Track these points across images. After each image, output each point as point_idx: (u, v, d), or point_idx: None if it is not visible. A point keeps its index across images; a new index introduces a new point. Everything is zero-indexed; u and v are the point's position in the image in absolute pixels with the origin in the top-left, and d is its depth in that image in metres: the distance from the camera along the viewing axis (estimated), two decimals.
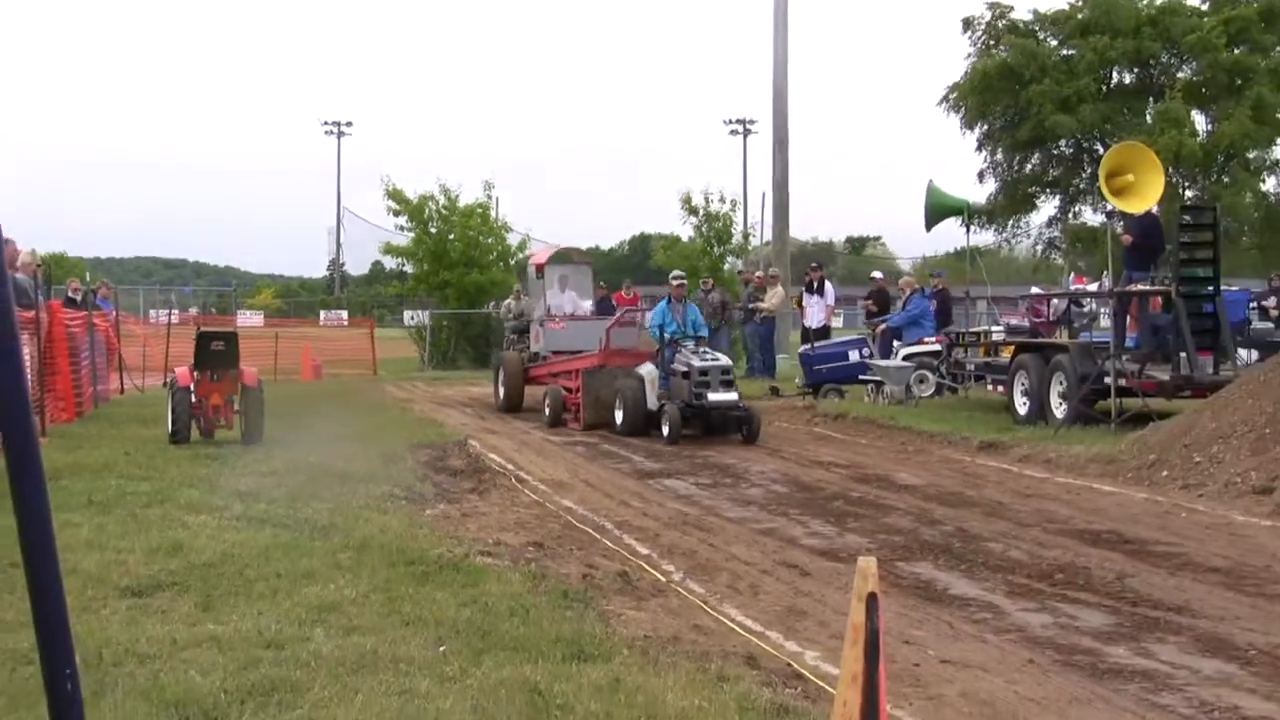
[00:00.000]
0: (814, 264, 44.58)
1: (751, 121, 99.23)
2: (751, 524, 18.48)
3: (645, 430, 28.70)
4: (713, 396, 27.41)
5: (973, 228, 45.16)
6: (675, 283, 30.54)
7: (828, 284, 40.77)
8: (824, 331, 40.09)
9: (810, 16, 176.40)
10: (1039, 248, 62.34)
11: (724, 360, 28.88)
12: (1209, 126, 56.75)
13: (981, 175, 59.09)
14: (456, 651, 10.65)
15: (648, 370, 29.32)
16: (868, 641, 6.95)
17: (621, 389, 29.50)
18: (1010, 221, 60.16)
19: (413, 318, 64.20)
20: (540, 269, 37.10)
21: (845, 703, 7.02)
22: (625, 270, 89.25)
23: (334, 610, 11.92)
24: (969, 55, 59.00)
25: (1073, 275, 53.87)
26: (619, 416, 29.40)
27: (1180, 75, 57.48)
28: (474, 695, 9.47)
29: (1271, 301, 39.01)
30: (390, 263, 65.30)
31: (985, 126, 58.10)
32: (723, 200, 57.45)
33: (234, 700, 9.25)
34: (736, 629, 12.42)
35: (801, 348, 39.53)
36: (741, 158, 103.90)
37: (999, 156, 58.74)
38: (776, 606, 13.48)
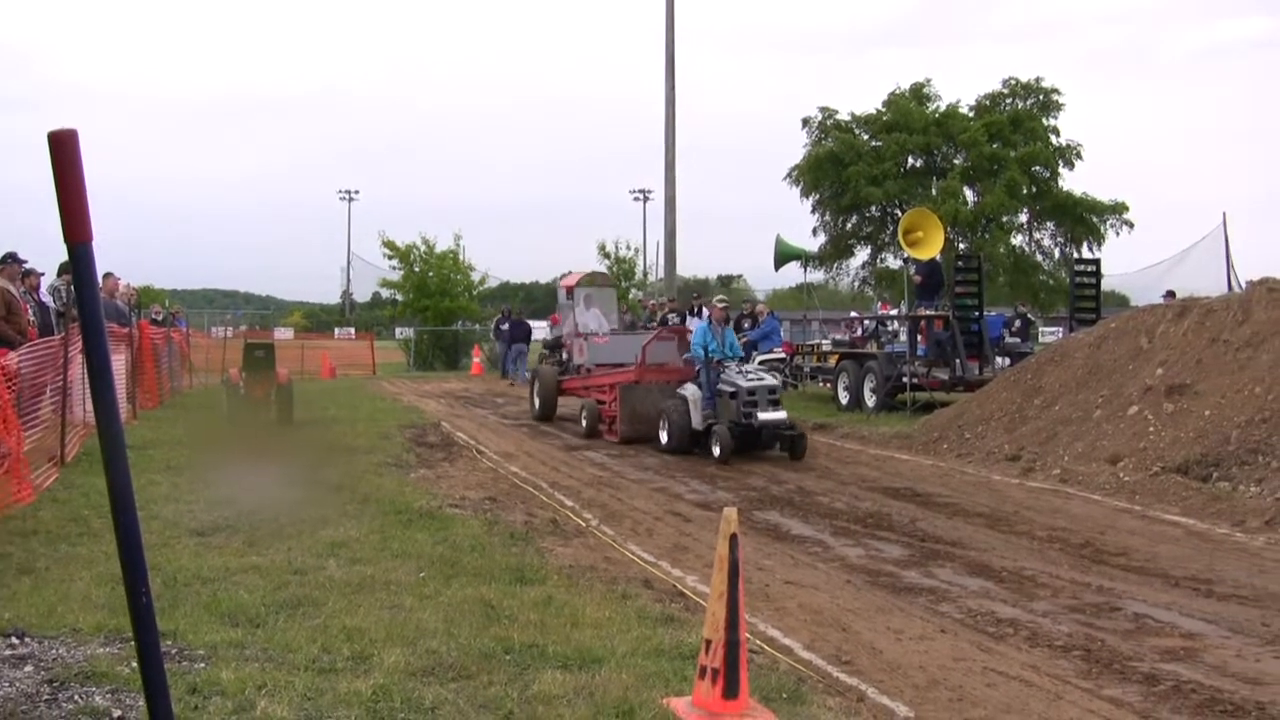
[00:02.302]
0: (695, 294, 44.40)
1: (649, 190, 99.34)
2: (648, 484, 18.41)
3: (689, 449, 22.13)
4: (762, 415, 21.17)
5: (809, 269, 45.35)
6: (720, 305, 24.00)
7: (704, 310, 40.74)
8: None
9: (694, 113, 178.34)
10: (856, 284, 62.42)
11: (770, 380, 22.05)
12: (976, 198, 57.04)
13: (815, 230, 59.16)
14: (432, 577, 10.60)
15: (690, 391, 22.57)
16: (730, 569, 6.93)
17: (666, 410, 22.90)
18: (836, 264, 60.15)
19: (401, 333, 64.45)
20: (570, 291, 30.66)
21: (714, 614, 7.00)
22: (556, 299, 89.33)
23: (343, 547, 11.86)
24: (806, 144, 59.10)
25: (880, 304, 54.02)
26: (664, 436, 22.88)
27: (956, 162, 57.70)
28: (445, 609, 9.44)
29: (1017, 324, 39.30)
30: (385, 293, 65.12)
31: (818, 195, 58.13)
32: (628, 248, 59.00)
33: (270, 611, 9.25)
34: (637, 560, 12.39)
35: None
36: (642, 216, 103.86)
37: (827, 217, 58.75)
38: (666, 544, 13.45)
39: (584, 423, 25.71)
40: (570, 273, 33.06)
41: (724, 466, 19.83)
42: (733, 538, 6.99)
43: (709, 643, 7.00)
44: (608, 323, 30.18)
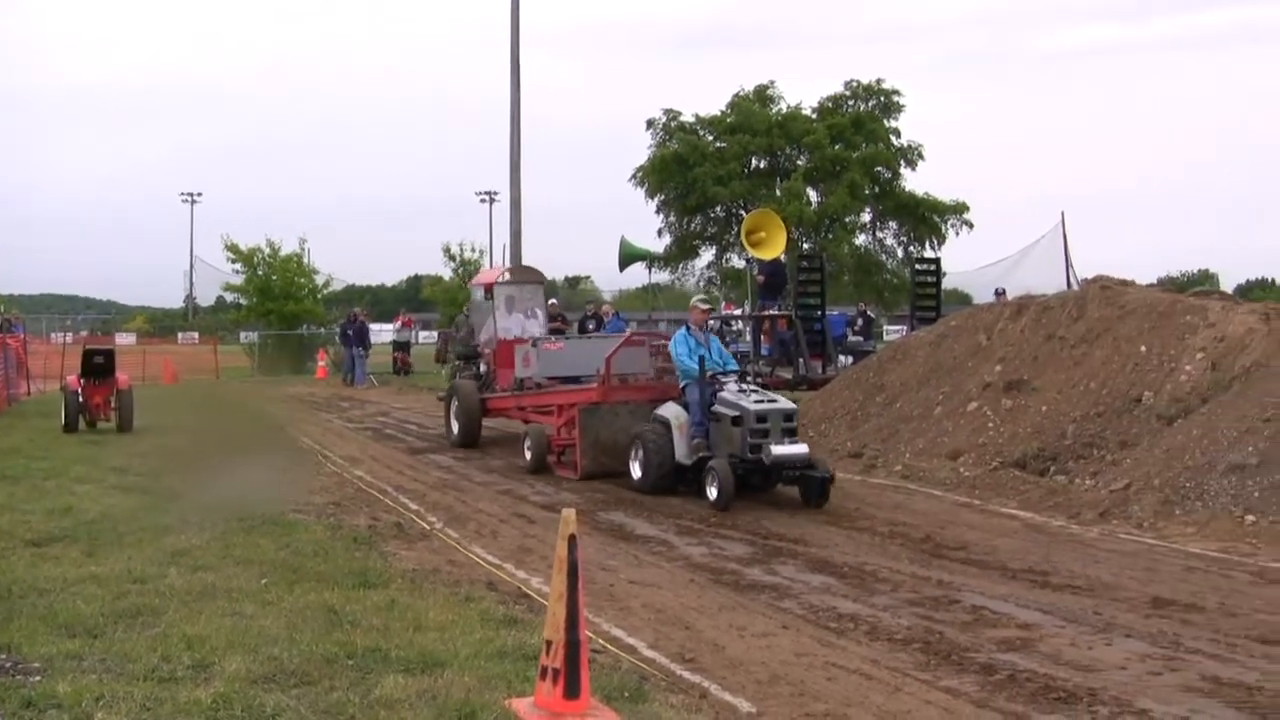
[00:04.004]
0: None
1: (495, 192, 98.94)
2: (494, 486, 18.41)
3: (672, 487, 17.11)
4: (776, 450, 15.92)
5: (654, 269, 45.58)
6: (702, 308, 18.97)
7: (540, 312, 40.47)
8: None
9: (539, 114, 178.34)
10: (702, 283, 62.96)
11: (785, 402, 16.87)
12: (819, 199, 57.76)
13: (660, 231, 59.56)
14: (275, 583, 10.55)
15: (674, 413, 17.35)
16: (569, 570, 6.98)
17: (641, 437, 17.62)
18: (681, 264, 60.62)
19: (246, 337, 63.75)
20: (489, 289, 25.02)
21: (554, 615, 7.04)
22: (403, 301, 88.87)
23: (185, 554, 11.77)
24: (650, 145, 59.47)
25: (725, 303, 54.43)
26: (636, 469, 17.63)
27: (799, 163, 58.38)
28: (287, 615, 9.41)
29: (859, 322, 39.82)
30: (229, 297, 64.47)
31: (663, 196, 58.53)
32: (474, 250, 58.81)
33: (109, 621, 9.17)
34: (481, 563, 12.42)
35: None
36: (489, 218, 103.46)
37: (672, 218, 59.19)
38: (511, 546, 13.50)
39: (528, 454, 20.27)
40: (489, 267, 28.43)
41: (722, 512, 15.64)
42: (571, 539, 7.03)
43: (550, 643, 7.04)
44: (533, 327, 24.75)
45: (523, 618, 9.62)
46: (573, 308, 44.27)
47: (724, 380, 17.22)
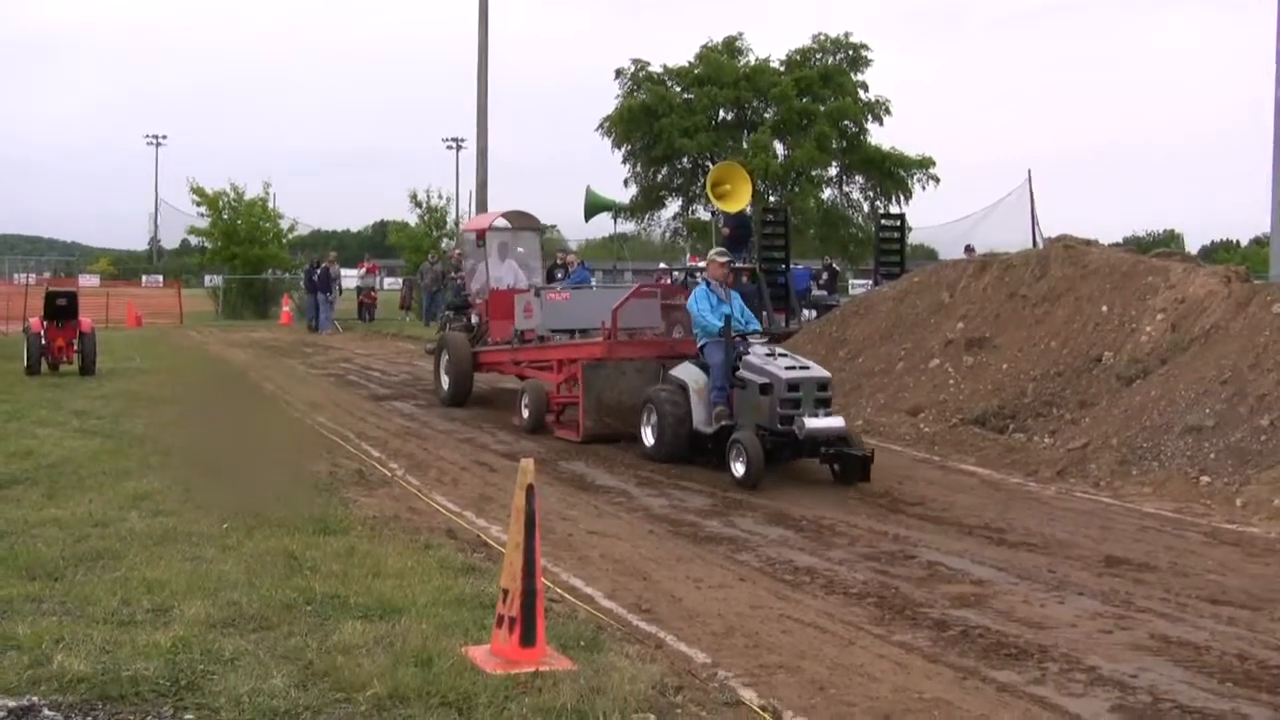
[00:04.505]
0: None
1: (462, 139, 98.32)
2: (455, 434, 18.45)
3: (688, 457, 15.78)
4: (810, 423, 14.31)
5: (619, 220, 45.49)
6: (721, 261, 16.77)
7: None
8: None
9: (506, 61, 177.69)
10: (667, 235, 63.04)
11: (818, 370, 15.26)
12: (786, 152, 57.82)
13: (626, 182, 59.62)
14: (235, 529, 10.59)
15: (692, 375, 15.96)
16: (526, 519, 7.03)
17: (654, 400, 16.22)
18: (647, 215, 60.70)
19: (210, 280, 63.49)
20: (481, 235, 23.30)
21: (511, 564, 7.10)
22: (368, 247, 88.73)
23: (146, 499, 11.79)
24: (618, 95, 59.38)
25: (690, 255, 54.47)
26: (648, 436, 16.30)
27: (767, 116, 58.39)
28: (247, 560, 9.46)
29: (824, 276, 39.96)
30: (194, 240, 64.26)
31: (629, 147, 58.52)
32: (440, 197, 58.49)
33: (70, 564, 9.21)
34: (441, 510, 12.47)
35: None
36: (455, 165, 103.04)
37: (639, 169, 59.21)
38: (472, 494, 13.56)
39: (525, 413, 19.02)
40: (458, 214, 25.53)
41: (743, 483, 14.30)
42: (529, 488, 7.08)
43: (506, 592, 7.09)
44: (526, 276, 23.31)
45: (481, 566, 9.67)
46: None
47: (750, 342, 15.68)
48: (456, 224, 59.25)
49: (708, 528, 12.10)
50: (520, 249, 23.94)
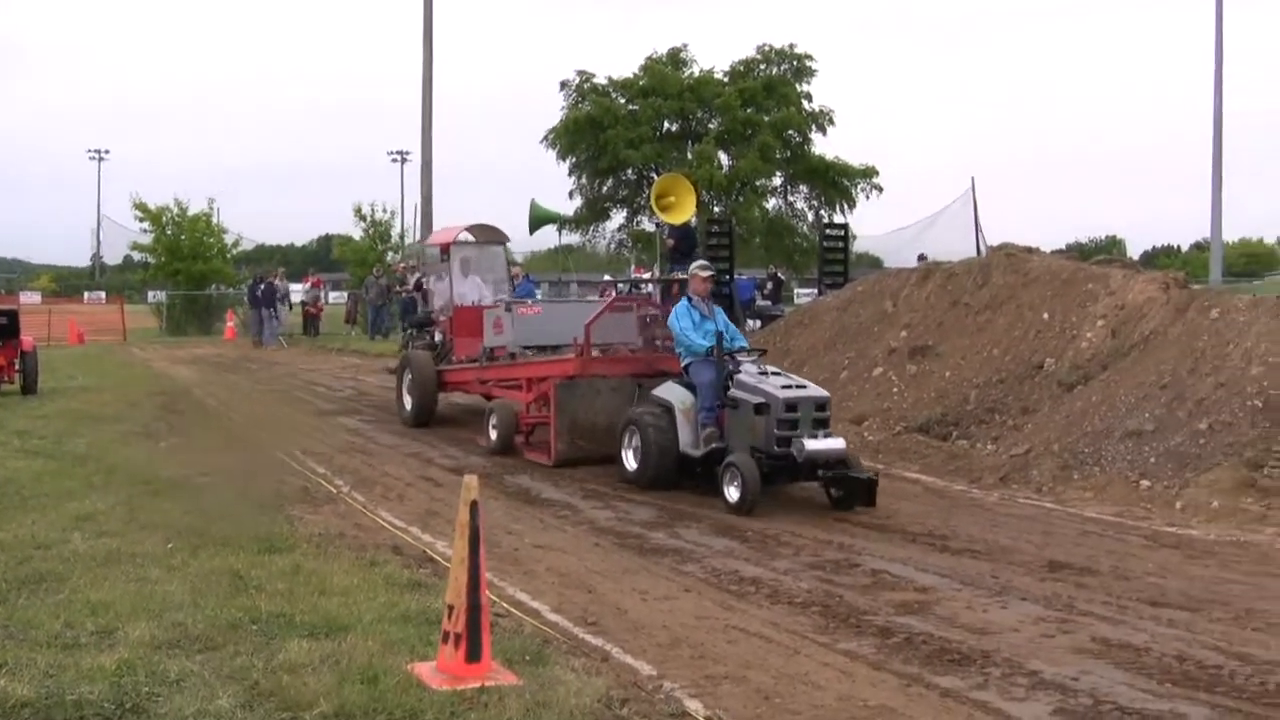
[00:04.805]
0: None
1: (407, 152, 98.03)
2: (401, 449, 18.42)
3: (674, 482, 14.86)
4: (810, 445, 13.52)
5: (565, 232, 45.68)
6: (704, 274, 15.97)
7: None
8: None
9: (451, 73, 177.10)
10: (612, 246, 63.09)
11: (815, 389, 14.52)
12: (730, 163, 57.98)
13: (571, 193, 59.67)
14: (180, 548, 10.53)
15: (677, 396, 15.06)
16: (471, 535, 7.07)
17: (637, 422, 15.19)
18: (592, 227, 60.72)
19: (154, 296, 63.03)
20: (445, 250, 22.39)
21: (456, 579, 7.13)
22: (313, 262, 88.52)
23: (89, 519, 11.71)
24: (563, 107, 59.43)
25: (634, 266, 54.57)
26: (630, 460, 15.33)
27: (711, 126, 58.60)
28: (192, 580, 9.43)
29: (769, 286, 40.14)
30: (137, 256, 63.88)
31: (574, 159, 58.57)
32: (384, 210, 58.36)
33: (12, 587, 9.13)
34: (387, 526, 12.47)
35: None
36: (400, 178, 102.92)
37: (584, 180, 59.26)
38: (418, 509, 13.56)
39: (492, 433, 18.15)
40: (446, 228, 24.92)
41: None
42: (473, 504, 7.11)
43: (452, 608, 7.12)
44: (491, 292, 22.41)
45: (427, 581, 9.67)
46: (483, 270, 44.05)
47: (739, 359, 14.87)
48: (401, 238, 59.22)
49: (653, 539, 12.15)
50: (485, 264, 23.11)
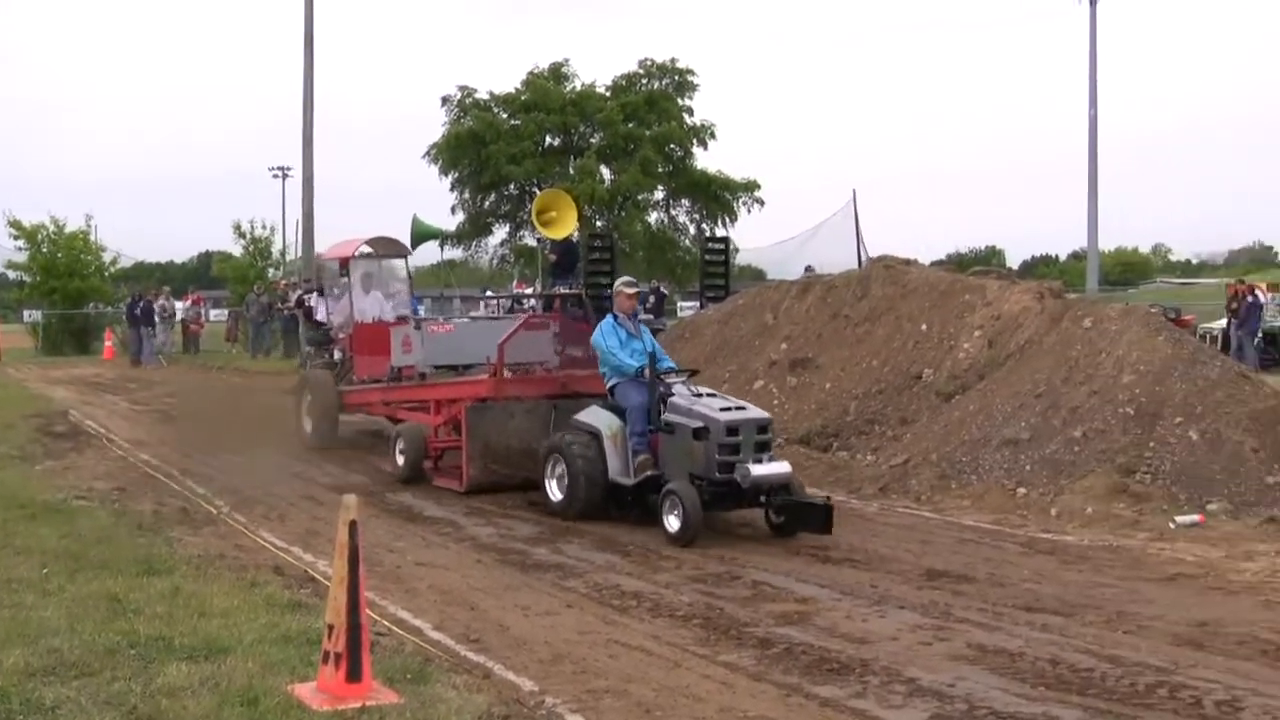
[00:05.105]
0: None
1: (288, 167, 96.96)
2: (285, 468, 18.25)
3: (604, 512, 13.90)
4: (756, 470, 12.74)
5: (447, 246, 45.51)
6: (629, 291, 15.14)
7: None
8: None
9: (334, 87, 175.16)
10: (495, 261, 62.98)
11: (755, 411, 13.70)
12: (612, 177, 58.10)
13: (454, 209, 59.39)
14: (56, 573, 10.38)
15: (604, 421, 14.06)
16: (350, 555, 7.06)
17: (561, 450, 14.20)
18: (474, 242, 60.51)
19: (29, 315, 62.03)
20: (345, 264, 21.29)
21: (335, 599, 7.12)
22: (193, 279, 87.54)
23: None
24: (445, 123, 59.24)
25: (517, 281, 54.54)
26: (554, 490, 14.30)
27: (593, 141, 58.70)
28: (69, 605, 9.29)
29: (651, 300, 40.32)
30: (12, 275, 62.82)
31: (456, 174, 58.40)
32: (264, 227, 57.94)
33: None
34: (268, 547, 12.40)
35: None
36: (281, 194, 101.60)
37: (466, 195, 59.08)
38: (299, 529, 13.47)
39: (399, 459, 17.11)
40: (344, 241, 23.22)
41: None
42: (352, 524, 7.10)
43: (331, 628, 7.11)
44: (391, 308, 21.40)
45: (308, 602, 9.62)
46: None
47: (669, 381, 13.95)
48: (283, 255, 58.85)
49: (535, 555, 12.18)
50: (386, 278, 22.20)
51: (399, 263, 23.01)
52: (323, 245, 28.46)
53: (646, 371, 13.82)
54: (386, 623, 9.25)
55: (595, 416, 14.22)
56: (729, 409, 13.33)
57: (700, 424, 13.07)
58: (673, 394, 13.66)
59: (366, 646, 7.18)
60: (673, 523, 12.72)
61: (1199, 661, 8.50)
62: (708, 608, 10.03)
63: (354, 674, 7.05)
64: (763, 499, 13.19)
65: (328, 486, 16.53)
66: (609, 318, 14.74)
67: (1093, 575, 11.29)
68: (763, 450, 13.12)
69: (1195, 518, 13.31)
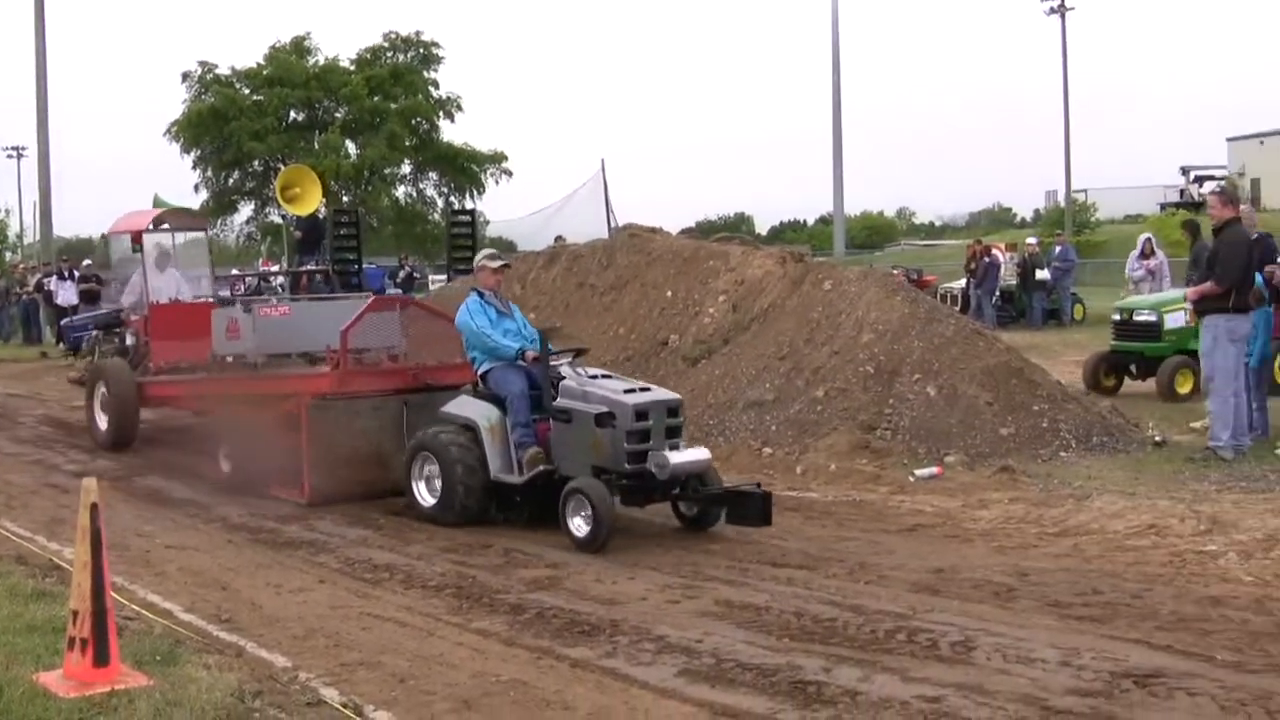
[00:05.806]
0: (83, 259, 42.68)
1: (23, 147, 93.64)
2: (24, 457, 17.73)
3: (486, 514, 12.15)
4: (674, 458, 11.17)
5: None
6: (493, 265, 13.20)
7: (77, 272, 39.10)
8: (76, 308, 37.94)
9: (69, 62, 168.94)
10: (241, 239, 62.24)
11: (663, 392, 12.02)
12: (358, 152, 57.75)
13: (197, 187, 58.55)
14: None
15: (481, 412, 12.23)
16: (92, 538, 6.99)
17: (437, 447, 12.24)
18: (220, 220, 59.60)
19: None
20: (137, 238, 18.39)
21: (79, 584, 7.04)
22: None
23: None
24: (185, 100, 58.22)
25: (263, 259, 53.85)
26: (424, 494, 12.49)
27: (338, 115, 58.27)
28: None
29: (401, 274, 40.16)
30: None
31: (199, 152, 57.50)
32: (2, 210, 56.39)
33: None
34: (11, 536, 12.03)
35: (62, 320, 35.99)
36: (17, 174, 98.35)
37: (209, 173, 58.25)
38: (43, 517, 13.12)
39: (225, 465, 14.77)
40: (135, 212, 20.37)
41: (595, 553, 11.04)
42: (93, 506, 7.03)
43: (76, 614, 7.01)
44: (190, 287, 19.18)
45: (53, 590, 9.43)
46: (111, 267, 42.94)
47: (561, 365, 12.21)
48: (19, 237, 57.20)
49: (287, 533, 12.13)
50: (186, 254, 19.77)
51: (199, 235, 20.90)
52: (61, 227, 27.83)
53: (528, 354, 12.22)
54: (136, 607, 9.13)
55: (467, 407, 12.52)
56: (633, 390, 11.74)
57: (603, 409, 11.41)
58: (562, 376, 11.98)
59: (114, 630, 7.10)
60: (580, 526, 11.11)
61: (935, 606, 8.87)
62: (460, 577, 10.12)
63: (101, 658, 6.97)
64: (676, 490, 11.81)
65: (72, 473, 16.04)
66: (474, 296, 12.93)
67: (836, 529, 11.69)
68: (674, 435, 11.62)
69: (934, 470, 13.86)
